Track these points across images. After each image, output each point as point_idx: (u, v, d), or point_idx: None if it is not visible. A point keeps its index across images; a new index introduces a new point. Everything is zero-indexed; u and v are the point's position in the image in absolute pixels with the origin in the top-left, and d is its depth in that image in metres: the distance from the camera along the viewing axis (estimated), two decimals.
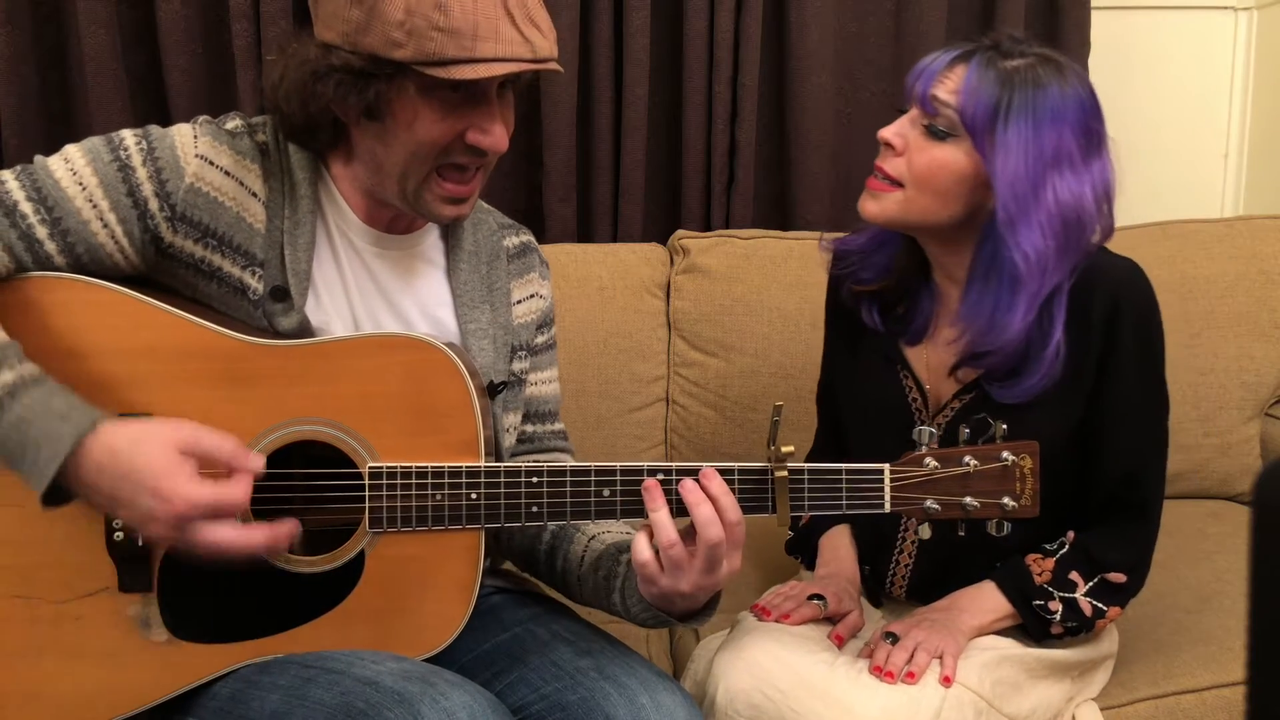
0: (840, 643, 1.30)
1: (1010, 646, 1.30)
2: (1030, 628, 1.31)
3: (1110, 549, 1.32)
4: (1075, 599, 1.30)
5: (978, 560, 1.34)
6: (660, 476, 1.09)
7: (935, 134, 1.24)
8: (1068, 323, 1.25)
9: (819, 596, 1.33)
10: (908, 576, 1.41)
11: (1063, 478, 1.31)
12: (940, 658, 1.23)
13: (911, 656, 1.22)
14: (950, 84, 1.24)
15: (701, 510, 1.06)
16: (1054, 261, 1.23)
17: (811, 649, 1.26)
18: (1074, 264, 1.26)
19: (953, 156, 1.24)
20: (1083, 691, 1.38)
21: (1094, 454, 1.32)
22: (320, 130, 1.16)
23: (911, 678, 1.20)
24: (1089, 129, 1.26)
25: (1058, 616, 1.30)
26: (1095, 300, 1.26)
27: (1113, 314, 1.26)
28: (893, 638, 1.25)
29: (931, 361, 1.37)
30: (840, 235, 1.47)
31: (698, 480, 1.08)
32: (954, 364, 1.32)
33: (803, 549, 1.51)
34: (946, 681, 1.21)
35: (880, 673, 1.21)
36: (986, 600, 1.32)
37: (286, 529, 1.03)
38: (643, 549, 1.08)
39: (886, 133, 1.27)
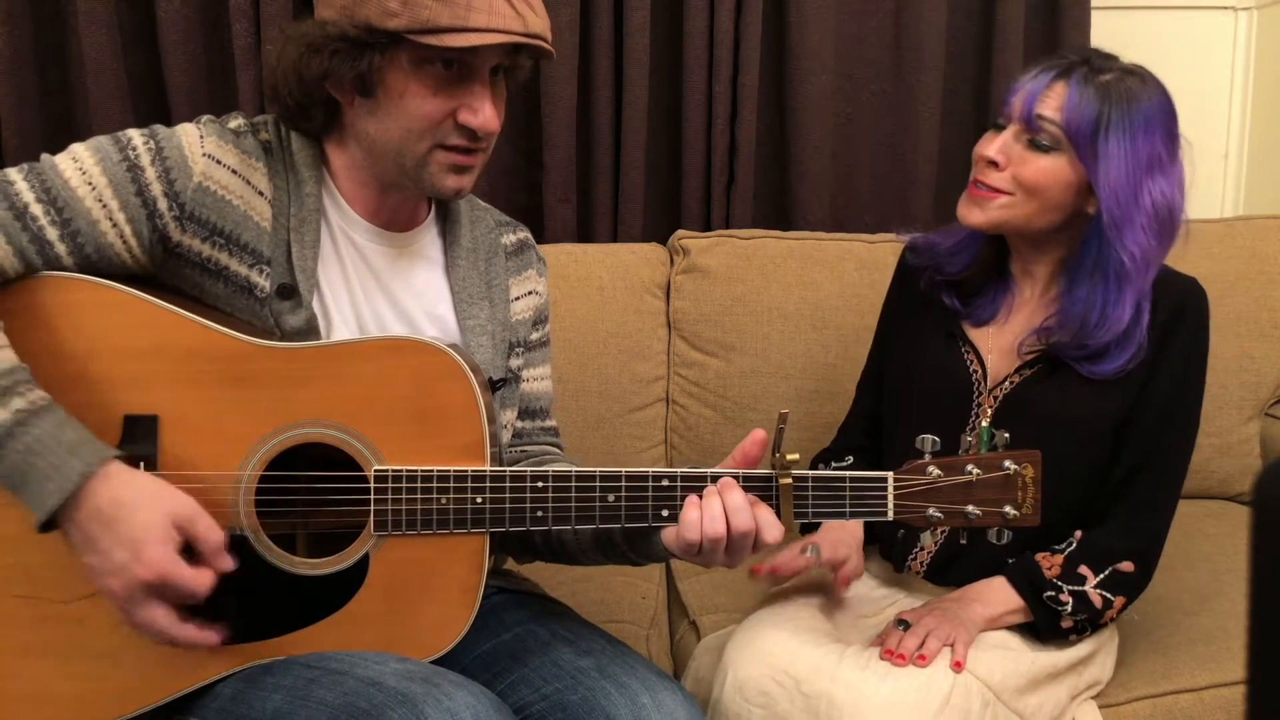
0: (846, 585, 1.37)
1: (1020, 648, 1.32)
2: (1040, 623, 1.34)
3: (1118, 539, 1.36)
4: (1085, 591, 1.33)
5: (1001, 549, 1.34)
6: (665, 482, 1.10)
7: (1039, 147, 1.33)
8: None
9: (812, 547, 1.37)
10: (929, 557, 1.44)
11: (1084, 474, 1.38)
12: (951, 645, 1.26)
13: (923, 642, 1.25)
14: (1053, 101, 1.32)
15: (711, 505, 1.09)
16: (1155, 255, 1.35)
17: (820, 640, 1.29)
18: (1166, 254, 1.38)
19: (1057, 166, 1.33)
20: (1084, 684, 1.39)
21: (1123, 439, 1.38)
22: (314, 109, 1.17)
23: (923, 660, 1.23)
24: (1172, 133, 1.37)
25: (1068, 608, 1.32)
26: (1160, 303, 1.36)
27: (1175, 318, 1.36)
28: (905, 625, 1.28)
29: (994, 343, 1.44)
30: (927, 234, 1.56)
31: (718, 490, 1.09)
32: (1040, 346, 1.39)
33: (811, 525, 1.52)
34: (958, 666, 1.23)
35: (892, 656, 1.24)
36: (997, 593, 1.35)
37: (212, 636, 1.05)
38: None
39: (989, 150, 1.35)
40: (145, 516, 1.00)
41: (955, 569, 1.41)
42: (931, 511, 1.12)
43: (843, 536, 1.43)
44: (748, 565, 1.26)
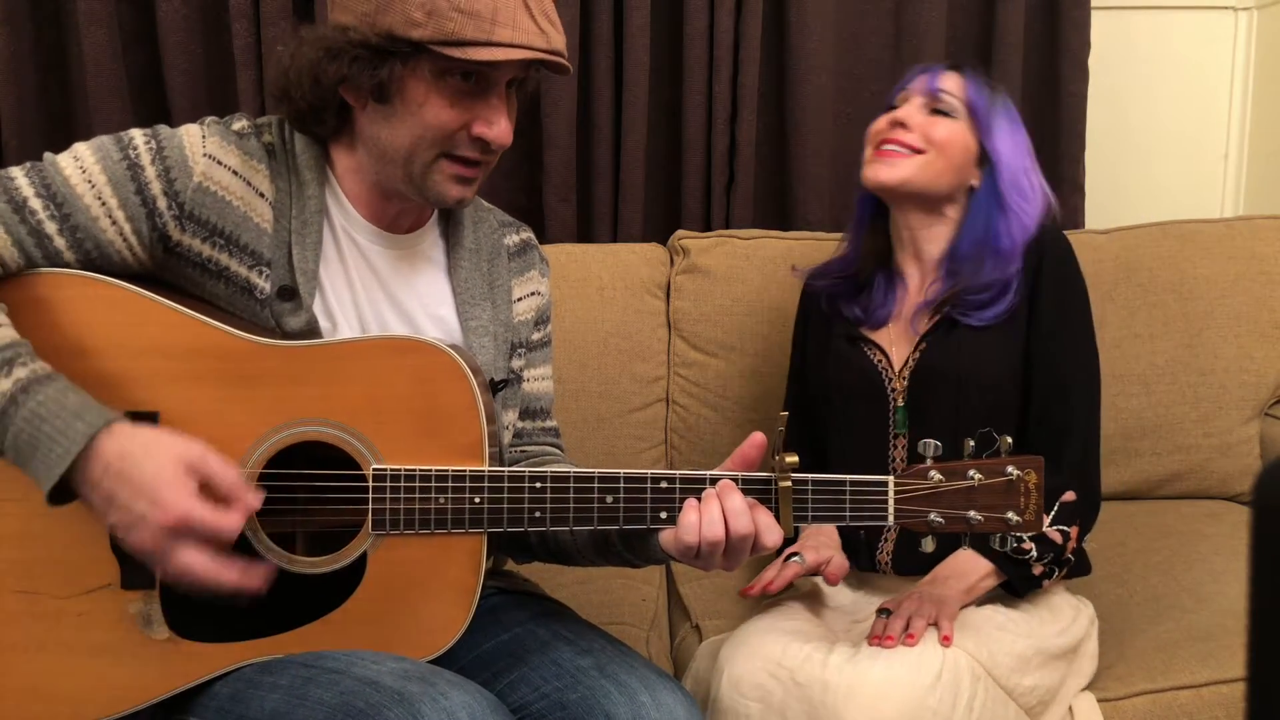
0: (834, 580, 1.42)
1: (1007, 626, 1.34)
2: (1014, 577, 1.37)
3: (1051, 474, 1.37)
4: (1043, 532, 1.36)
5: None
6: (664, 485, 1.10)
7: (941, 113, 1.49)
8: None
9: (796, 554, 1.41)
10: (893, 549, 1.47)
11: (1007, 429, 1.42)
12: (936, 623, 1.28)
13: (908, 624, 1.27)
14: (951, 82, 1.51)
15: (710, 508, 1.09)
16: (1028, 226, 1.49)
17: (811, 637, 1.31)
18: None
19: (961, 130, 1.49)
20: (1074, 675, 1.40)
21: (1028, 382, 1.46)
22: (326, 113, 1.17)
23: (911, 639, 1.25)
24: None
25: (1034, 554, 1.36)
26: (1027, 251, 1.48)
27: (1037, 255, 1.48)
28: (887, 613, 1.31)
29: (893, 335, 1.53)
30: (806, 270, 1.68)
31: (717, 494, 1.09)
32: (944, 299, 1.49)
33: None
34: (946, 641, 1.25)
35: (880, 640, 1.26)
36: (966, 564, 1.38)
37: (259, 575, 1.03)
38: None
39: (901, 114, 1.49)
40: (155, 463, 1.00)
41: (921, 555, 1.42)
42: (933, 516, 1.11)
43: (821, 539, 1.48)
44: (735, 577, 1.27)
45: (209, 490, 1.01)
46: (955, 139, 1.48)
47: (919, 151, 1.47)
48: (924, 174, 1.47)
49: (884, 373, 1.51)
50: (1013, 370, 1.46)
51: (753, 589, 1.38)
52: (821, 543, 1.47)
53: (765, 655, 1.28)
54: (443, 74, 1.11)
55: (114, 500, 1.00)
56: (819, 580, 1.48)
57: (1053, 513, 1.37)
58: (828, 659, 1.25)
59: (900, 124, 1.48)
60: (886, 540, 1.49)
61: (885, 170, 1.48)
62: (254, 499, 1.03)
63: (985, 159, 1.50)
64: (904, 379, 1.49)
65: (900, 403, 1.49)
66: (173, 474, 1.00)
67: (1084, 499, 1.41)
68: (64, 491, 1.01)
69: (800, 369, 1.66)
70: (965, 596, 1.35)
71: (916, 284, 1.54)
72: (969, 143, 1.49)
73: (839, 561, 1.44)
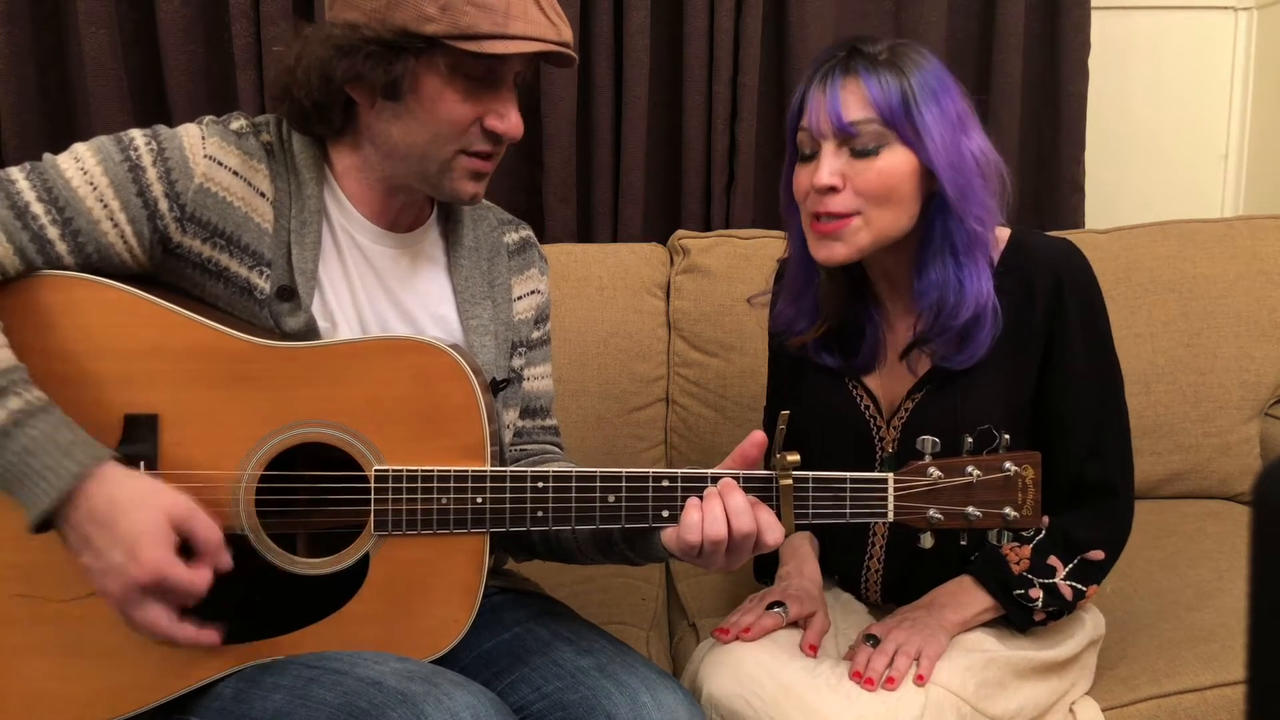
0: (814, 652, 1.28)
1: (996, 648, 1.29)
2: (1013, 617, 1.31)
3: (1087, 528, 1.33)
4: (1055, 584, 1.30)
5: (948, 555, 1.30)
6: (666, 483, 1.10)
7: (866, 153, 1.24)
8: (1010, 298, 1.29)
9: (779, 604, 1.31)
10: (879, 580, 1.41)
11: None
12: (918, 659, 1.22)
13: (892, 660, 1.22)
14: (854, 100, 1.24)
15: (712, 507, 1.09)
16: (993, 215, 1.28)
17: (796, 654, 1.26)
18: (1002, 210, 1.31)
19: (893, 161, 1.24)
20: (1075, 685, 1.37)
21: (1057, 432, 1.33)
22: (331, 112, 1.17)
23: (891, 683, 1.20)
24: (961, 89, 1.29)
25: (1039, 603, 1.30)
26: (1036, 277, 1.29)
27: (1056, 289, 1.29)
28: (874, 640, 1.25)
29: (882, 373, 1.38)
30: (765, 294, 1.49)
31: (719, 492, 1.09)
32: (911, 344, 1.32)
33: (768, 570, 1.48)
34: (920, 680, 1.20)
35: (860, 679, 1.21)
36: (966, 594, 1.32)
37: (207, 636, 1.05)
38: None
39: (822, 177, 1.24)
40: (142, 516, 1.00)
41: (910, 587, 1.37)
42: (932, 513, 1.12)
43: (806, 588, 1.35)
44: (732, 575, 1.21)
45: (185, 546, 1.02)
46: (894, 178, 1.24)
47: (858, 212, 1.24)
48: (876, 232, 1.25)
49: (871, 420, 1.36)
50: (1022, 417, 1.32)
51: (727, 634, 1.28)
52: (807, 592, 1.34)
53: (744, 679, 1.22)
54: (456, 69, 1.12)
55: (90, 545, 1.01)
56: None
57: (1071, 566, 1.30)
58: (805, 694, 1.19)
59: (831, 189, 1.24)
60: (868, 580, 1.41)
61: (838, 249, 1.25)
62: (224, 560, 1.04)
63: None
64: (895, 428, 1.34)
65: (890, 450, 1.35)
66: (158, 531, 1.00)
67: (1115, 551, 1.34)
68: (46, 522, 1.01)
69: (778, 395, 1.51)
70: (958, 629, 1.29)
71: (900, 309, 1.36)
72: (907, 167, 1.24)
73: (820, 625, 1.30)
